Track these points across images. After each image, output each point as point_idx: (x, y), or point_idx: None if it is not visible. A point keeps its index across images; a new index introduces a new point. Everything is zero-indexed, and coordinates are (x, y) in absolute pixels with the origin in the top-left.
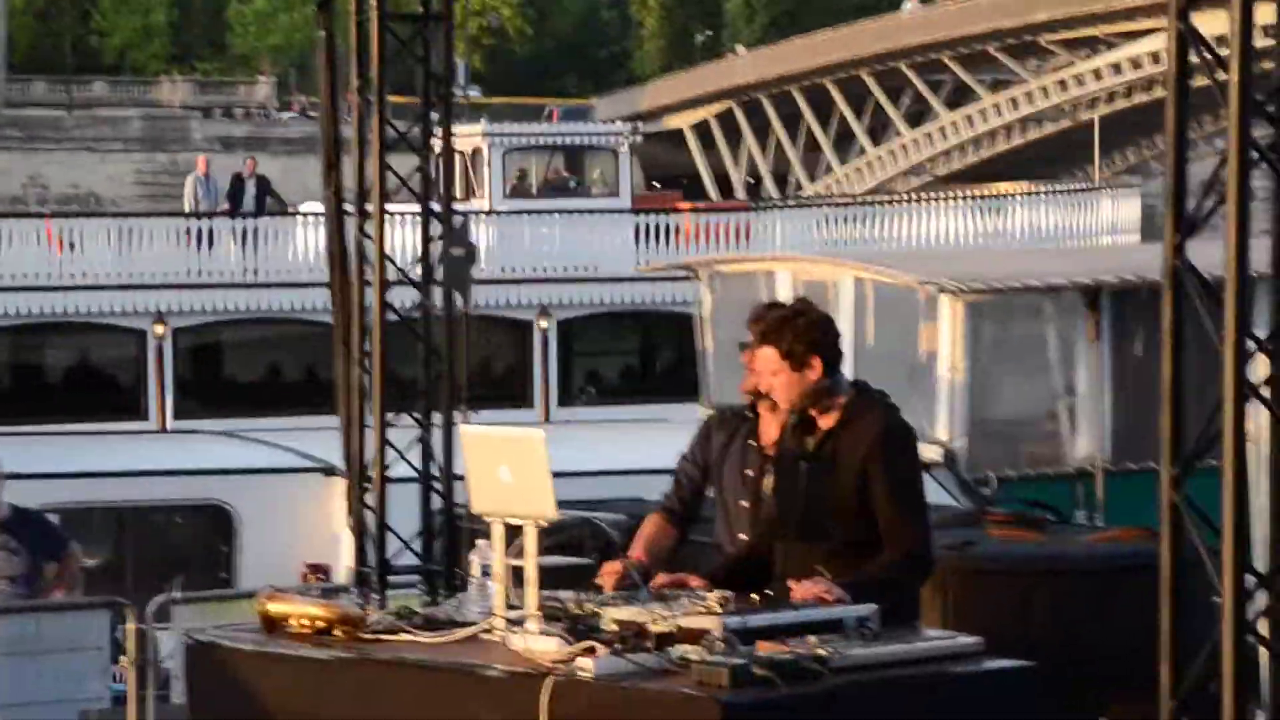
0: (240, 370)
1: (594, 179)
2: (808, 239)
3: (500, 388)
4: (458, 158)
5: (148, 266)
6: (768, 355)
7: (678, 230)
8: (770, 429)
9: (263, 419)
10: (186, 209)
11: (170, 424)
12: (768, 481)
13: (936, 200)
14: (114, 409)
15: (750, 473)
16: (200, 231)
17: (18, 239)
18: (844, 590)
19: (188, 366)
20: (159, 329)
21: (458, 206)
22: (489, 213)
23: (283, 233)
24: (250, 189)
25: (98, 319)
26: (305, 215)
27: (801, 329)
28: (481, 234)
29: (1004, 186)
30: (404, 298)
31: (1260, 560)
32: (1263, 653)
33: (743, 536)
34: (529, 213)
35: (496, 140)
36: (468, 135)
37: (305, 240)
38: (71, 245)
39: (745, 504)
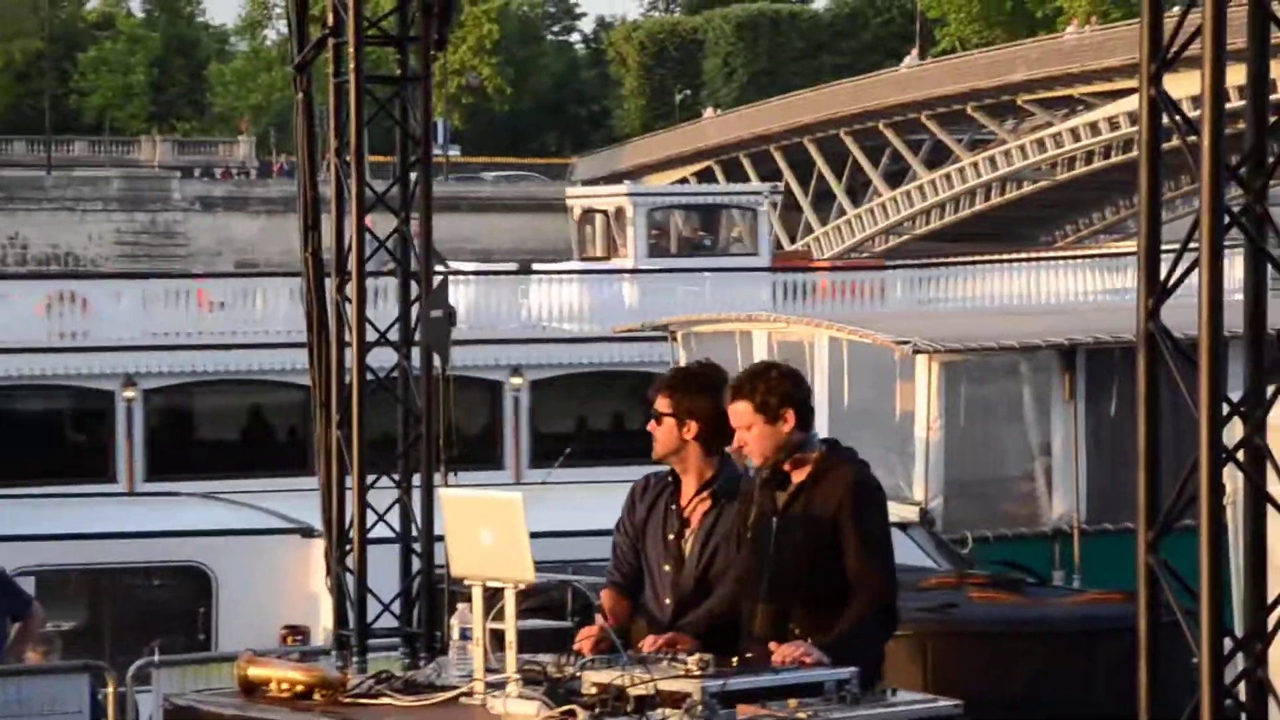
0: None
1: (733, 238)
2: (934, 296)
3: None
4: (599, 217)
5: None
6: (740, 410)
7: (814, 288)
8: (689, 490)
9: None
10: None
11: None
12: (689, 544)
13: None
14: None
15: (672, 537)
16: (378, 288)
17: (181, 298)
18: (823, 651)
19: None
20: None
21: (599, 265)
22: (634, 271)
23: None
24: None
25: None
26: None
27: (774, 381)
28: (626, 292)
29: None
30: (386, 359)
31: (1239, 623)
32: (1242, 717)
33: (667, 601)
34: (672, 271)
35: (640, 200)
36: (611, 195)
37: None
38: (214, 304)
39: (668, 568)
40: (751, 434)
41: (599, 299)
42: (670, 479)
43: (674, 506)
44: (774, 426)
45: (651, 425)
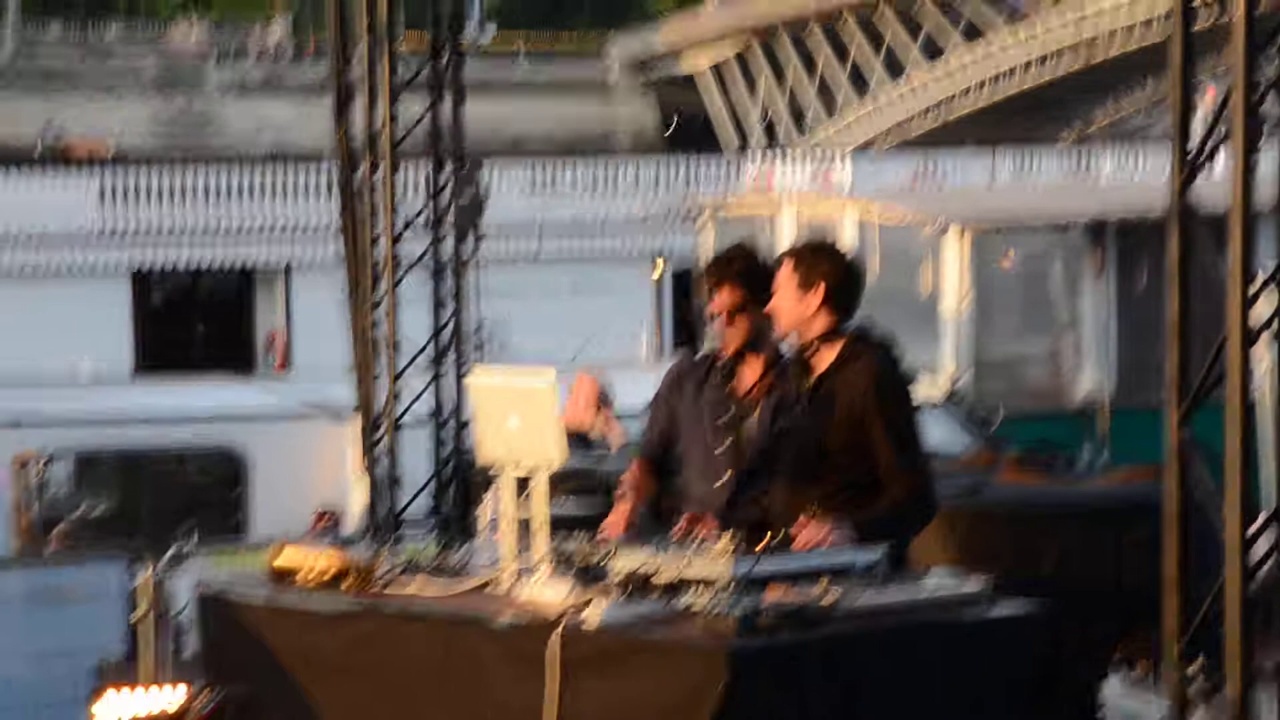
0: None
1: None
2: None
3: None
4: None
5: None
6: (782, 270)
7: None
8: (747, 377)
9: None
10: None
11: None
12: (752, 424)
13: None
14: None
15: (723, 420)
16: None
17: None
18: (846, 533)
19: None
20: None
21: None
22: None
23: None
24: None
25: None
26: None
27: (821, 255)
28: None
29: None
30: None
31: (1268, 498)
32: None
33: (718, 486)
34: None
35: None
36: None
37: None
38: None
39: (720, 452)
40: (780, 295)
41: None
42: (717, 361)
43: (728, 388)
44: (801, 295)
45: (720, 325)
